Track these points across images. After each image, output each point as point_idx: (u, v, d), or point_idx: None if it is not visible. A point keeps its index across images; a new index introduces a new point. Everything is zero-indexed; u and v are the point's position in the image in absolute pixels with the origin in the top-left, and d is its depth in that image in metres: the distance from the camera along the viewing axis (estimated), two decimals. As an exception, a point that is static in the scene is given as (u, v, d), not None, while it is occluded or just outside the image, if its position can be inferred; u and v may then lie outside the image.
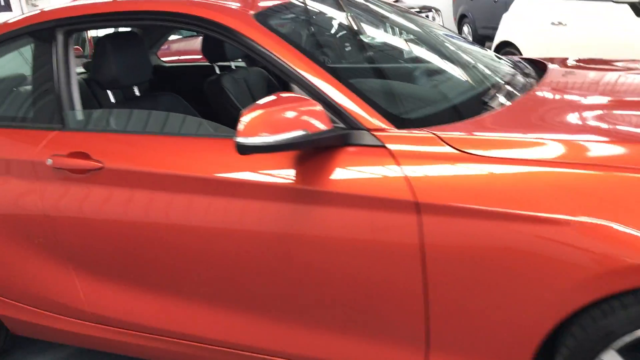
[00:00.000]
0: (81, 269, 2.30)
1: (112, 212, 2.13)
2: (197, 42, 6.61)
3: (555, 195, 1.51)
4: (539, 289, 1.53)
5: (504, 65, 2.51)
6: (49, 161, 2.21)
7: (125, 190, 2.10)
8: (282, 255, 1.87)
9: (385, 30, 2.56)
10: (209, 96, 3.14)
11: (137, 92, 2.76)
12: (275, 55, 1.91)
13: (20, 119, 2.47)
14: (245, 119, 1.68)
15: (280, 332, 1.97)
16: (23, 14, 2.56)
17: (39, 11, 2.47)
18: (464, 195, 1.59)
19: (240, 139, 1.68)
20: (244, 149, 1.68)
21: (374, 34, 2.53)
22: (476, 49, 2.69)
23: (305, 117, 1.70)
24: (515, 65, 2.55)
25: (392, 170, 1.70)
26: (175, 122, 2.22)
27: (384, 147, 1.74)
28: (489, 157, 1.63)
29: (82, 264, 2.29)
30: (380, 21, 2.61)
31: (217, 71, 3.33)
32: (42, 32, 2.38)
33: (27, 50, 2.49)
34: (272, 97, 1.75)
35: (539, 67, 2.61)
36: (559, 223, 1.49)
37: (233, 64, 3.42)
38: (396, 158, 1.71)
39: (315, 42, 2.29)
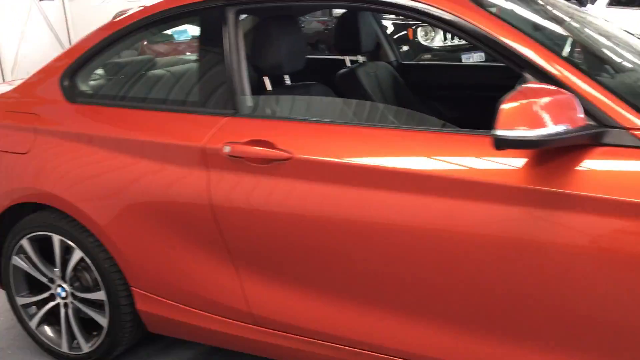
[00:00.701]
0: (246, 267, 2.13)
1: (296, 206, 1.96)
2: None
3: None
4: None
5: None
6: (227, 148, 2.04)
7: (315, 183, 1.93)
8: (507, 261, 1.69)
9: (577, 24, 2.37)
10: (342, 88, 2.96)
11: (287, 81, 2.59)
12: (510, 44, 1.73)
13: (179, 102, 2.30)
14: (504, 111, 1.50)
15: (491, 347, 1.79)
16: None
17: None
18: None
19: (500, 132, 1.50)
20: (501, 143, 1.51)
21: (577, 29, 2.35)
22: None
23: (565, 111, 1.53)
24: None
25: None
26: (362, 111, 2.04)
27: (642, 146, 1.56)
28: None
29: (248, 262, 2.12)
30: (568, 15, 2.42)
31: (348, 64, 3.16)
32: (210, 10, 2.22)
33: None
34: (525, 87, 1.57)
35: None
36: None
37: (361, 58, 3.25)
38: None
39: (543, 32, 2.11)
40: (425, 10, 1.84)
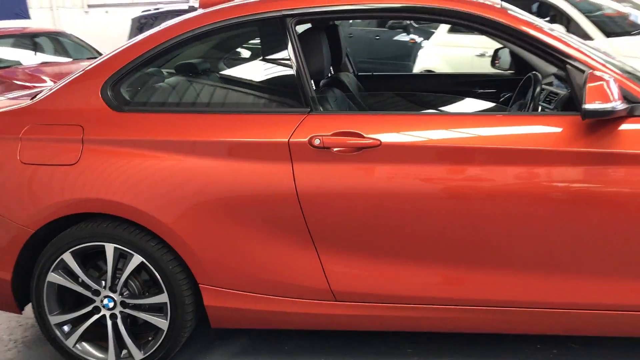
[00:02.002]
0: (327, 248, 2.38)
1: (384, 187, 2.28)
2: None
3: None
4: None
5: None
6: (317, 141, 2.29)
7: (402, 165, 2.27)
8: (574, 209, 2.19)
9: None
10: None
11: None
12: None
13: (249, 104, 2.49)
14: (590, 89, 2.01)
15: (562, 284, 2.27)
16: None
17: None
18: None
19: (587, 106, 2.01)
20: (588, 114, 2.01)
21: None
22: None
23: (615, 91, 2.07)
24: None
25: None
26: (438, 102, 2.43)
27: (666, 116, 2.16)
28: None
29: (329, 243, 2.37)
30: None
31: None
32: (273, 20, 2.45)
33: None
34: (591, 74, 2.09)
35: None
36: None
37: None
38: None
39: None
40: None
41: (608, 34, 6.07)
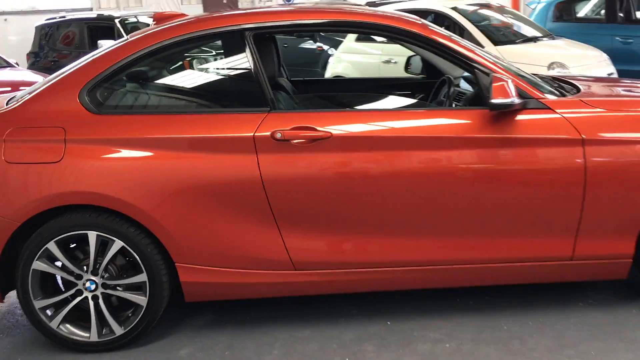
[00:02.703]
0: (288, 224, 2.82)
1: (335, 171, 2.76)
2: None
3: None
4: None
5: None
6: (278, 134, 2.74)
7: (349, 152, 2.77)
8: (482, 186, 2.77)
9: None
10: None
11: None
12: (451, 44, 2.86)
13: (216, 105, 2.90)
14: (495, 88, 2.59)
15: (480, 242, 2.84)
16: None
17: (229, 14, 2.93)
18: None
19: (494, 101, 2.59)
20: (494, 106, 2.60)
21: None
22: None
23: (512, 89, 2.67)
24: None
25: (557, 120, 2.77)
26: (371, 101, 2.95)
27: (550, 109, 2.80)
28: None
29: (289, 220, 2.82)
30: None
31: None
32: (234, 33, 2.88)
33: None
34: (494, 76, 2.68)
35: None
36: None
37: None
38: (560, 115, 2.78)
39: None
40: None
41: (496, 42, 6.90)
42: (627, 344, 2.75)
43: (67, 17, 10.86)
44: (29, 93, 2.95)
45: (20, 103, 2.91)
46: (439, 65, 3.81)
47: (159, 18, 3.31)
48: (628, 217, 2.83)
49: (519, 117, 2.77)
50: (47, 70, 9.06)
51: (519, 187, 2.79)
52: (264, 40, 3.11)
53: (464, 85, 3.49)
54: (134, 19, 10.10)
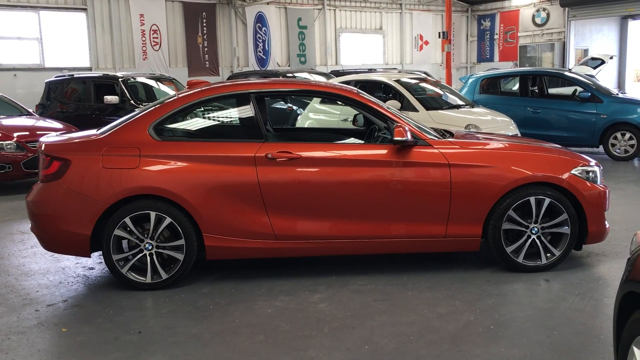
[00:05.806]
0: (273, 211, 4.64)
1: (302, 178, 4.63)
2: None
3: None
4: None
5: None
6: (269, 155, 4.60)
7: (311, 167, 4.64)
8: (382, 189, 4.67)
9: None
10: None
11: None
12: (375, 107, 4.81)
13: (232, 137, 4.78)
14: (397, 132, 4.53)
15: (389, 224, 4.71)
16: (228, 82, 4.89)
17: (240, 83, 4.85)
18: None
19: (397, 138, 4.53)
20: (397, 142, 4.54)
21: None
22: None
23: (410, 133, 4.61)
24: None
25: (434, 153, 4.70)
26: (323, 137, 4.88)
27: (431, 145, 4.73)
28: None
29: (274, 208, 4.64)
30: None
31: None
32: (244, 95, 4.80)
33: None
34: (397, 124, 4.62)
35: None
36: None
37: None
38: (437, 149, 4.72)
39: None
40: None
41: (428, 107, 8.97)
42: (480, 290, 4.60)
43: (76, 75, 12.61)
44: (115, 126, 4.78)
45: (110, 132, 4.73)
46: (371, 119, 5.77)
47: (192, 84, 5.22)
48: (476, 212, 4.74)
49: (413, 149, 4.69)
50: (53, 118, 10.81)
51: (413, 192, 4.69)
52: (261, 99, 5.02)
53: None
54: (132, 80, 11.91)
